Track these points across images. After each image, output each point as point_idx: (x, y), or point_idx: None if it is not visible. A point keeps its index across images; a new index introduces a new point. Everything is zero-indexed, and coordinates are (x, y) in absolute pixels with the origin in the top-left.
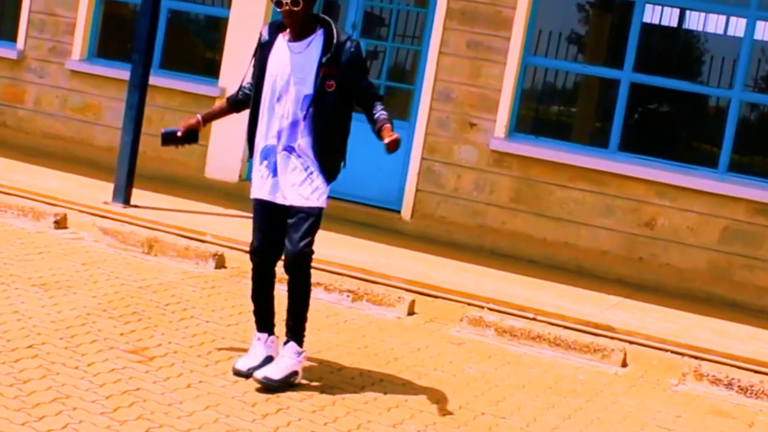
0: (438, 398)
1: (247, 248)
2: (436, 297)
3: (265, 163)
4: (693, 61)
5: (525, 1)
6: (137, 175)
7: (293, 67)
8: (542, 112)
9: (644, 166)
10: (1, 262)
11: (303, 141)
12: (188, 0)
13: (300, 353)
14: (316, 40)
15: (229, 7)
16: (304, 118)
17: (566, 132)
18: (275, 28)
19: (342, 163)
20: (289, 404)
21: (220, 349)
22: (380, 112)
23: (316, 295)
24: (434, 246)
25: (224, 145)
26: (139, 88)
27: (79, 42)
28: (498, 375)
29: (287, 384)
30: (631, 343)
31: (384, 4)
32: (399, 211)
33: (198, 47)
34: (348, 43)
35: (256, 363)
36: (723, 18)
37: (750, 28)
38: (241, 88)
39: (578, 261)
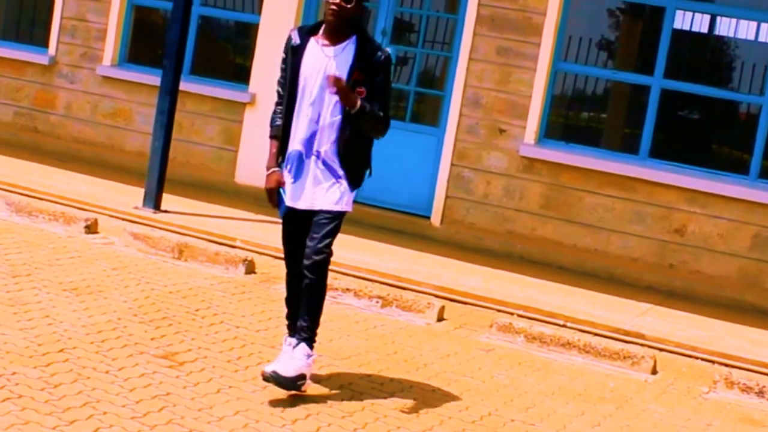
0: (467, 405)
1: (277, 254)
2: (465, 303)
3: (289, 167)
4: (723, 67)
5: (555, 7)
6: (167, 181)
7: (328, 70)
8: (572, 118)
9: (674, 173)
10: (32, 266)
11: (331, 147)
12: (219, 6)
13: (310, 356)
14: (350, 45)
15: (259, 13)
16: (333, 123)
17: (596, 138)
18: (306, 32)
19: (368, 171)
20: (318, 410)
21: (250, 355)
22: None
23: (346, 300)
24: (464, 252)
25: (254, 150)
26: (169, 94)
27: (110, 48)
28: (527, 382)
29: (295, 386)
30: (661, 350)
31: (414, 10)
32: (429, 218)
33: (228, 53)
34: (379, 53)
35: (275, 363)
36: (754, 24)
37: None
38: (278, 102)
39: (608, 268)
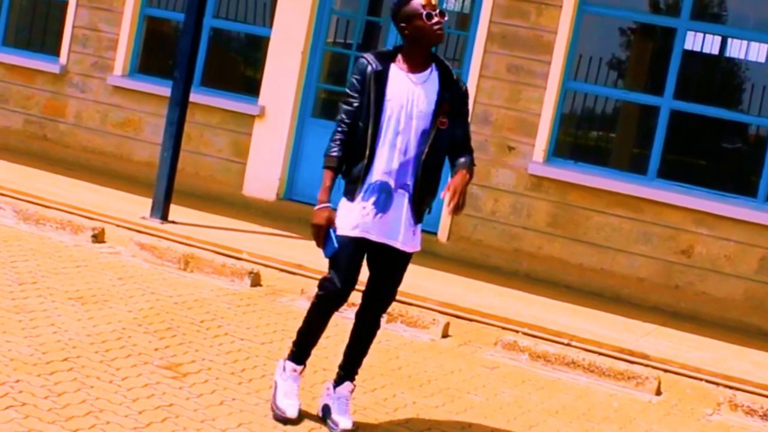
0: (470, 422)
1: (283, 267)
2: (470, 320)
3: (373, 199)
4: (734, 89)
5: (566, 25)
6: (175, 191)
7: (417, 99)
8: (581, 137)
9: (682, 194)
10: (38, 274)
11: (413, 179)
12: (231, 18)
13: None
14: (434, 73)
15: (271, 26)
16: (419, 155)
17: (605, 158)
18: (384, 58)
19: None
20: (321, 425)
21: (254, 367)
22: (465, 157)
23: (349, 315)
24: (470, 269)
25: (262, 163)
26: (179, 105)
27: (122, 58)
28: (531, 400)
29: None
30: (665, 371)
31: None
32: (435, 234)
33: (239, 65)
34: (460, 83)
35: (298, 401)
36: (765, 46)
37: None
38: (340, 131)
39: (614, 287)
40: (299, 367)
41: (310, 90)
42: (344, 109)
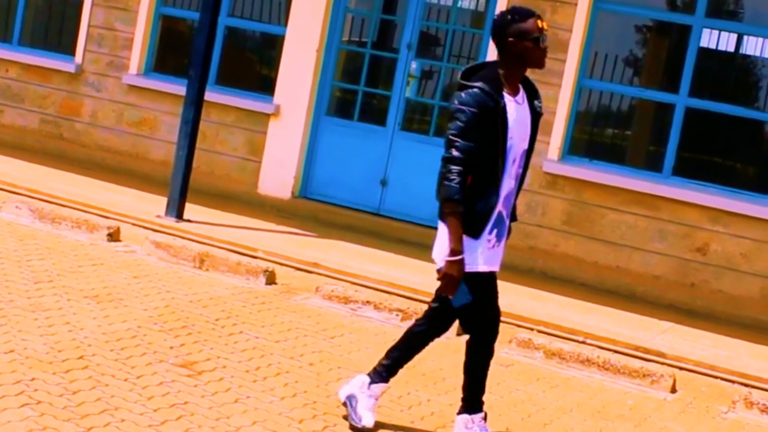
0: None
1: (298, 265)
2: None
3: (495, 231)
4: (749, 86)
5: (581, 23)
6: (190, 190)
7: (522, 124)
8: (596, 135)
9: (698, 191)
10: (54, 273)
11: (514, 201)
12: (245, 17)
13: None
14: (522, 90)
15: (285, 25)
16: (520, 177)
17: (620, 155)
18: (497, 87)
19: None
20: (336, 422)
21: (268, 365)
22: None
23: (366, 313)
24: None
25: (277, 161)
26: (194, 104)
27: (137, 57)
28: (546, 398)
29: None
30: (681, 369)
31: (440, 24)
32: None
33: (254, 64)
34: (535, 85)
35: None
36: None
37: None
38: (459, 171)
39: (629, 285)
40: (483, 413)
41: (325, 88)
42: (462, 146)
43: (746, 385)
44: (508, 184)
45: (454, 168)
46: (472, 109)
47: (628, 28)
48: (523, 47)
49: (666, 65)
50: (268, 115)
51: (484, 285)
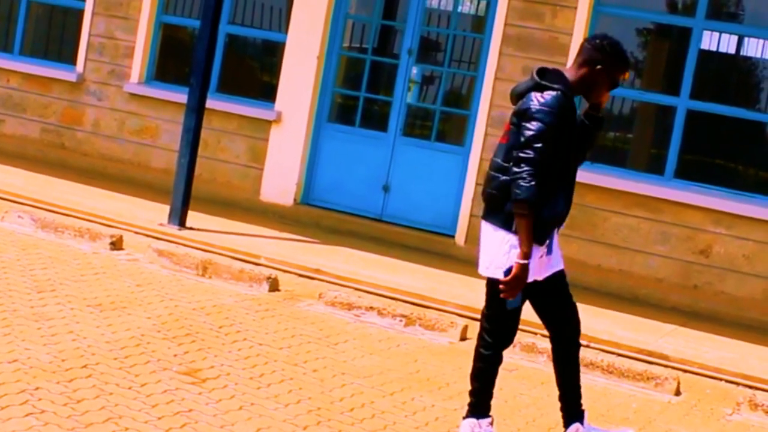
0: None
1: (301, 272)
2: None
3: (548, 242)
4: (750, 88)
5: (581, 27)
6: (193, 198)
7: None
8: (598, 138)
9: (700, 194)
10: (57, 282)
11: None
12: (246, 25)
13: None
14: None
15: (286, 32)
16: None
17: (622, 158)
18: (572, 93)
19: None
20: (341, 428)
21: (272, 372)
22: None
23: (369, 319)
24: None
25: (279, 168)
26: (196, 112)
27: (138, 65)
28: (550, 402)
29: None
30: (684, 371)
31: (440, 29)
32: (453, 236)
33: (255, 71)
34: None
35: None
36: None
37: None
38: (536, 173)
39: (633, 288)
40: (490, 418)
41: (327, 95)
42: (540, 149)
43: (751, 387)
44: (566, 196)
45: (530, 169)
46: (554, 112)
47: (628, 31)
48: (602, 76)
49: (667, 68)
50: (269, 122)
51: (525, 295)
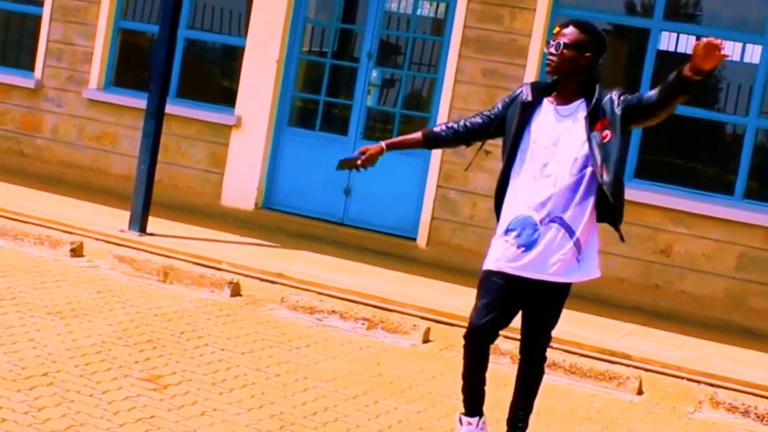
0: (452, 426)
1: (263, 276)
2: (451, 325)
3: (514, 233)
4: (708, 88)
5: (540, 29)
6: (153, 204)
7: (562, 131)
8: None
9: (659, 194)
10: (17, 290)
11: (575, 209)
12: (205, 29)
13: None
14: (582, 104)
15: (245, 36)
16: (578, 182)
17: None
18: (539, 89)
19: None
20: None
21: (235, 377)
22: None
23: (331, 322)
24: (450, 274)
25: (240, 173)
26: (155, 117)
27: (97, 71)
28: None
29: None
30: (646, 370)
31: (400, 32)
32: (415, 239)
33: (214, 76)
34: (612, 92)
35: None
36: (739, 45)
37: (766, 55)
38: (466, 123)
39: (594, 288)
40: (473, 419)
41: (286, 99)
42: (477, 113)
43: (712, 385)
44: (533, 185)
45: (470, 119)
46: (505, 97)
47: None
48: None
49: (625, 68)
50: (229, 127)
51: (489, 286)
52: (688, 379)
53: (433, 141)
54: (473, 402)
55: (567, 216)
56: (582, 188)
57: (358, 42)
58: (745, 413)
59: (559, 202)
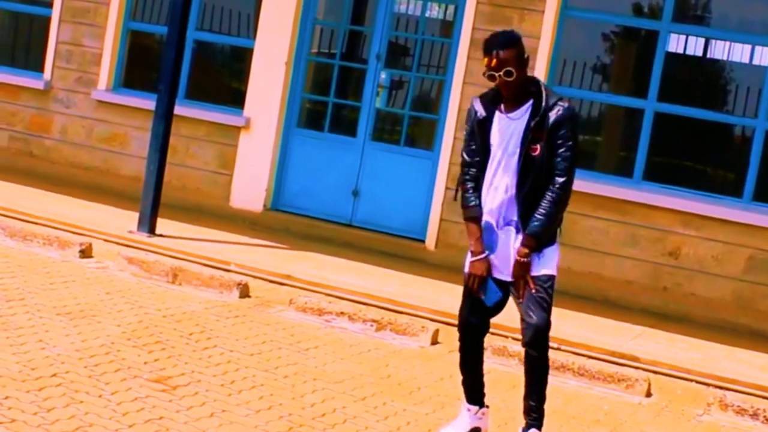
0: None
1: (272, 278)
2: None
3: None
4: (717, 90)
5: (549, 31)
6: (162, 205)
7: (510, 137)
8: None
9: (669, 196)
10: (26, 290)
11: (520, 212)
12: (214, 31)
13: None
14: (529, 105)
15: (254, 37)
16: (517, 187)
17: (591, 161)
18: (489, 101)
19: (558, 229)
20: None
21: (243, 379)
22: (540, 211)
23: (340, 324)
24: (458, 275)
25: (249, 174)
26: (164, 118)
27: (106, 72)
28: (522, 405)
29: None
30: (655, 373)
31: (408, 34)
32: (423, 241)
33: (223, 77)
34: (557, 106)
35: None
36: (748, 47)
37: None
38: (465, 176)
39: (603, 290)
40: (472, 407)
41: (295, 100)
42: (464, 151)
43: (721, 388)
44: (494, 195)
45: (463, 176)
46: (468, 120)
47: (595, 34)
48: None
49: (634, 71)
50: (238, 128)
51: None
52: (697, 382)
53: (481, 214)
54: (471, 392)
55: (515, 218)
56: (522, 193)
57: (366, 44)
58: (754, 416)
59: (510, 207)
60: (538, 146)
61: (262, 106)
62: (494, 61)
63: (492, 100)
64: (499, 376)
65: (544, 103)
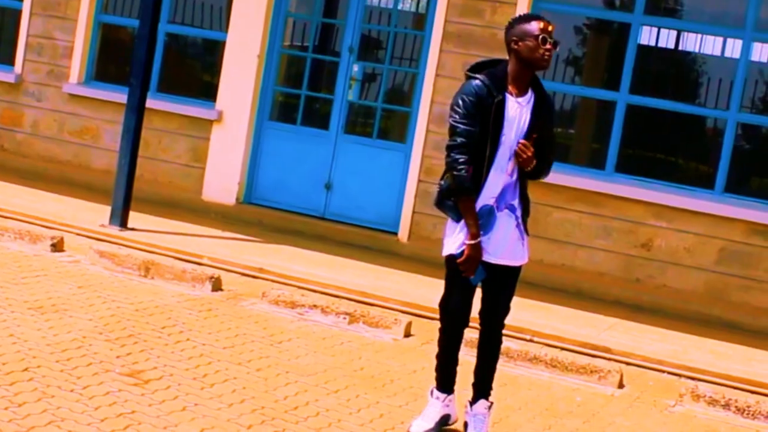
0: None
1: (244, 271)
2: (432, 319)
3: (480, 222)
4: (689, 82)
5: None
6: (134, 198)
7: (520, 120)
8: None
9: (641, 188)
10: None
11: (517, 197)
12: (186, 24)
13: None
14: (530, 90)
15: (226, 30)
16: (515, 173)
17: (563, 154)
18: (499, 84)
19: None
20: (284, 426)
21: (216, 372)
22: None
23: (313, 317)
24: (431, 268)
25: (221, 167)
26: (136, 112)
27: (77, 65)
28: (494, 396)
29: None
30: (627, 364)
31: (381, 26)
32: (396, 233)
33: (195, 70)
34: (546, 92)
35: (432, 425)
36: (719, 39)
37: (746, 50)
38: (464, 157)
39: (575, 282)
40: (441, 395)
41: (268, 93)
42: (464, 131)
43: (693, 379)
44: (498, 178)
45: (460, 157)
46: (470, 98)
47: (567, 26)
48: (525, 47)
49: (606, 63)
50: (210, 122)
51: (457, 269)
52: (669, 373)
53: (474, 183)
54: (446, 380)
55: (515, 202)
56: (521, 179)
57: (339, 36)
58: (726, 406)
59: (512, 191)
60: (536, 134)
61: (234, 99)
62: (551, 26)
63: (502, 83)
64: (472, 368)
65: (543, 91)
